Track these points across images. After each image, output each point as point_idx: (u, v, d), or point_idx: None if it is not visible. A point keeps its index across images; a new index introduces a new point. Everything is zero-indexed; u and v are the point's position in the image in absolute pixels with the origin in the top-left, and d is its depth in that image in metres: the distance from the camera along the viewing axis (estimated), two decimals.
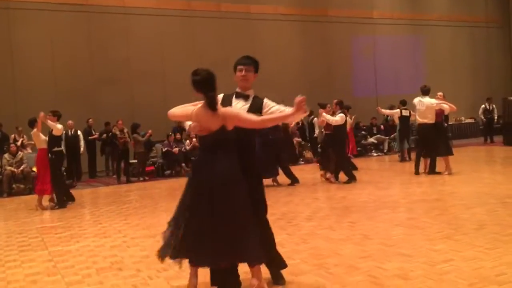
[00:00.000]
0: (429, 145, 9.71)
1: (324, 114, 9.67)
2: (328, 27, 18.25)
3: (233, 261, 3.52)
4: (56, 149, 8.79)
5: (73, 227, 6.77)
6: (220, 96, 3.78)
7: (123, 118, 12.82)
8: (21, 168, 10.89)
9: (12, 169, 10.78)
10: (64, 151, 12.54)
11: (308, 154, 14.51)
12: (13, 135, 12.30)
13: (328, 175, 9.86)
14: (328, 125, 9.78)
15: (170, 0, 15.82)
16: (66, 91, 13.94)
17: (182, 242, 3.47)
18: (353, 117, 14.97)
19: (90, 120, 13.45)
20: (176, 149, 13.19)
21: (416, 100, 10.10)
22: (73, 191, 11.14)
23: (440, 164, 9.75)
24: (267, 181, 9.26)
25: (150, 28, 15.40)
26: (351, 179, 9.50)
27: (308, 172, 12.28)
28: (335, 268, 4.13)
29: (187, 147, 13.48)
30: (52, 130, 8.69)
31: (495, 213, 5.89)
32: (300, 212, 6.84)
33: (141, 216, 7.25)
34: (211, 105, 3.47)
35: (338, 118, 9.58)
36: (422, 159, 9.96)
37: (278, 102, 3.85)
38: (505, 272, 3.72)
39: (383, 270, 3.97)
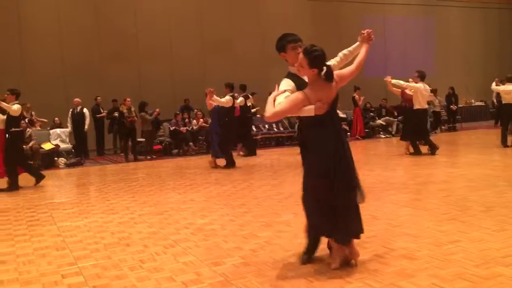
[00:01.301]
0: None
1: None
2: (337, 6, 18.03)
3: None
4: (13, 129, 8.34)
5: (82, 203, 6.84)
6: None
7: (131, 96, 12.81)
8: (30, 144, 10.96)
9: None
10: (70, 128, 12.70)
11: None
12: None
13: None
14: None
15: None
16: (74, 67, 13.94)
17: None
18: (361, 98, 14.89)
19: (99, 98, 13.47)
20: (184, 128, 13.21)
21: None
22: (80, 169, 11.24)
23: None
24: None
25: (158, 4, 15.28)
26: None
27: None
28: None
29: (195, 127, 13.49)
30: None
31: (503, 195, 5.85)
32: None
33: (149, 194, 7.29)
34: (330, 76, 3.50)
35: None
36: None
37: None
38: None
39: (389, 250, 3.97)
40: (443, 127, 16.43)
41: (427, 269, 3.49)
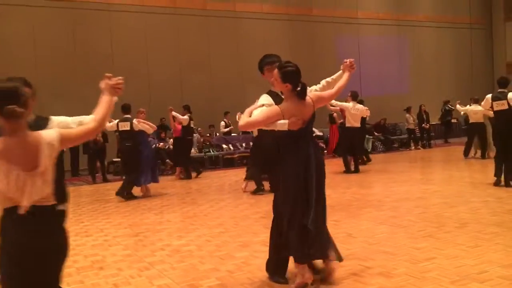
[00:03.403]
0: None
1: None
2: (313, 26, 18.29)
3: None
4: None
5: None
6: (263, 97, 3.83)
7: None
8: None
9: None
10: None
11: None
12: None
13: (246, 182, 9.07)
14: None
15: None
16: (49, 89, 13.72)
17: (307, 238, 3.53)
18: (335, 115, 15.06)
19: None
20: (162, 145, 13.12)
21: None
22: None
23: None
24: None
25: (134, 25, 15.25)
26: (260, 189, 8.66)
27: None
28: (320, 266, 4.11)
29: (171, 146, 13.39)
30: None
31: (477, 211, 5.94)
32: None
33: (124, 215, 7.17)
34: (303, 94, 3.54)
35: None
36: None
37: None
38: (487, 269, 3.75)
39: (366, 268, 3.97)
40: (417, 145, 16.69)
41: (404, 287, 3.49)
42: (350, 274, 3.84)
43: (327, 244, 3.66)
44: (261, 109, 3.59)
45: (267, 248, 4.79)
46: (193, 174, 11.67)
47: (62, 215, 2.44)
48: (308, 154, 3.55)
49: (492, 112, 8.95)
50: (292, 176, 3.52)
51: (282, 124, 3.47)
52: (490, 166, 8.67)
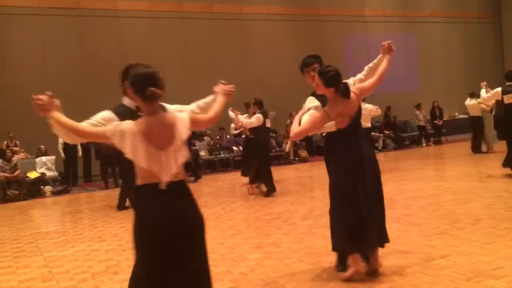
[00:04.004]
0: None
1: (239, 116, 8.72)
2: (320, 26, 18.26)
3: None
4: None
5: (69, 232, 6.73)
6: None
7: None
8: (16, 173, 10.82)
9: (6, 175, 10.71)
10: (63, 155, 12.58)
11: (303, 153, 14.51)
12: (5, 142, 12.22)
13: (250, 185, 8.86)
14: (250, 129, 8.74)
15: (162, 2, 15.77)
16: (59, 96, 13.54)
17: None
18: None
19: None
20: None
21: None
22: (67, 196, 11.12)
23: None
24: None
25: (142, 31, 15.35)
26: (272, 190, 8.42)
27: (303, 171, 12.28)
28: (332, 267, 4.10)
29: None
30: None
31: (490, 207, 5.89)
32: (295, 211, 6.82)
33: None
34: (346, 94, 3.64)
35: (253, 120, 8.54)
36: None
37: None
38: (502, 265, 3.72)
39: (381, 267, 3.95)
40: (429, 142, 16.58)
41: (418, 285, 3.48)
42: (364, 273, 3.82)
43: (374, 242, 3.67)
44: (308, 114, 3.70)
45: (280, 249, 4.81)
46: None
47: (190, 189, 2.58)
48: (359, 148, 3.65)
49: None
50: (345, 171, 3.61)
51: (330, 126, 3.63)
52: (500, 160, 8.60)
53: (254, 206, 7.52)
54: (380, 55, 4.06)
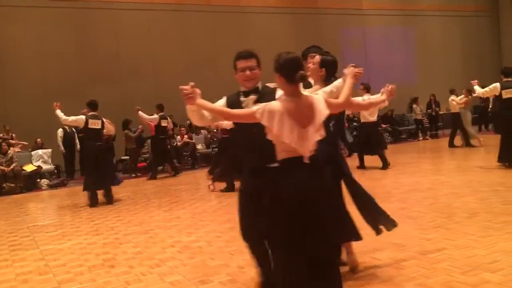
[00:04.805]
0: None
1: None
2: (318, 19, 18.21)
3: None
4: None
5: (65, 225, 6.72)
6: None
7: (115, 115, 12.67)
8: (12, 167, 10.80)
9: (2, 168, 10.68)
10: (63, 149, 12.55)
11: None
12: (1, 134, 12.18)
13: (212, 182, 8.84)
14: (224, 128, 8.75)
15: None
16: (55, 88, 13.80)
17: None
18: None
19: None
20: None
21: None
22: (64, 190, 11.10)
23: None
24: None
25: (139, 23, 15.26)
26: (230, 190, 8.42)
27: None
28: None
29: (179, 143, 13.43)
30: None
31: (486, 200, 5.90)
32: None
33: (134, 213, 7.21)
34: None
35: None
36: None
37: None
38: (498, 259, 3.73)
39: (377, 260, 3.97)
40: (425, 135, 16.60)
41: (414, 279, 3.48)
42: (360, 267, 3.83)
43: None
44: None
45: None
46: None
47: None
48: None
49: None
50: None
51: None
52: (495, 154, 8.63)
53: None
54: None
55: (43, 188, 11.39)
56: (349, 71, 3.17)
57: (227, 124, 8.36)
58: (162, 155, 11.77)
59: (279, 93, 3.02)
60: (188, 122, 13.00)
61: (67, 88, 13.98)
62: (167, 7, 15.66)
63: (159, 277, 4.04)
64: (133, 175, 12.33)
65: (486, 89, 8.91)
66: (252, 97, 3.09)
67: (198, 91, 2.86)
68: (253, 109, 2.69)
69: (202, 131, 14.42)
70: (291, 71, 2.63)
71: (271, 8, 17.38)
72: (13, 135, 12.49)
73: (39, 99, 13.26)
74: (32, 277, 4.35)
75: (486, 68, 21.88)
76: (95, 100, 8.60)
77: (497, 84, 8.44)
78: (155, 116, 11.34)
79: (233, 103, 3.09)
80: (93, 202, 8.12)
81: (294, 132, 2.59)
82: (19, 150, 12.12)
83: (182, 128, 13.70)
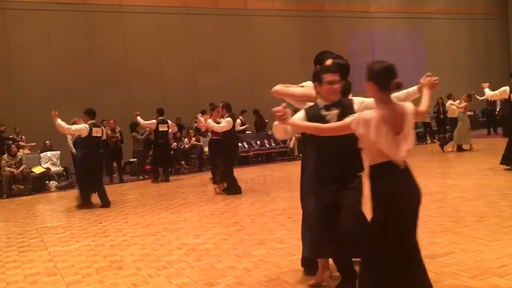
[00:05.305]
0: None
1: (208, 121, 8.74)
2: (325, 22, 18.19)
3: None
4: None
5: (73, 226, 6.76)
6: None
7: (122, 118, 12.79)
8: (21, 169, 10.86)
9: (12, 170, 10.75)
10: (74, 150, 12.59)
11: None
12: (11, 136, 12.27)
13: (216, 185, 8.96)
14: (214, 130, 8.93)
15: None
16: (64, 91, 13.91)
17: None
18: None
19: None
20: (175, 145, 13.19)
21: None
22: (72, 191, 11.14)
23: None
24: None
25: (147, 26, 15.34)
26: (234, 191, 8.54)
27: None
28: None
29: (186, 145, 13.47)
30: None
31: (495, 204, 5.87)
32: (300, 207, 6.79)
33: (141, 215, 7.23)
34: (346, 90, 3.63)
35: (224, 124, 8.59)
36: None
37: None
38: (507, 263, 3.70)
39: None
40: (433, 138, 16.52)
41: None
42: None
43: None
44: (299, 88, 3.74)
45: (284, 246, 4.81)
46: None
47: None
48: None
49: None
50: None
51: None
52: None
53: (258, 202, 7.53)
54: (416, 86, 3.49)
55: (51, 190, 11.45)
56: (425, 80, 3.25)
57: (218, 127, 8.60)
58: (161, 159, 11.67)
59: (357, 103, 3.29)
60: (196, 125, 12.99)
61: (76, 91, 14.08)
62: (175, 11, 15.73)
63: (167, 279, 4.05)
64: (141, 177, 12.37)
65: (496, 92, 8.89)
66: (336, 111, 3.23)
67: (289, 111, 3.02)
68: (346, 121, 2.79)
69: (209, 133, 14.43)
70: (386, 79, 2.72)
71: (277, 11, 17.39)
72: (23, 137, 12.58)
73: (48, 101, 13.35)
74: (40, 278, 4.38)
75: (494, 71, 21.75)
76: (93, 108, 8.72)
77: (507, 88, 8.43)
78: (153, 121, 11.31)
79: (315, 117, 3.21)
80: (85, 204, 8.31)
81: (389, 139, 2.69)
82: (28, 152, 12.20)
83: (191, 131, 13.73)
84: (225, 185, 8.80)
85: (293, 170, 11.78)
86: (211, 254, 4.75)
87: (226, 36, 16.37)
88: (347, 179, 3.22)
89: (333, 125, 3.00)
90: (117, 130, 12.31)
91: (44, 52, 14.04)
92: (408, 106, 2.83)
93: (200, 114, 9.29)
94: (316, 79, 3.33)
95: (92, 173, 8.35)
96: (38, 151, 12.65)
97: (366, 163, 2.88)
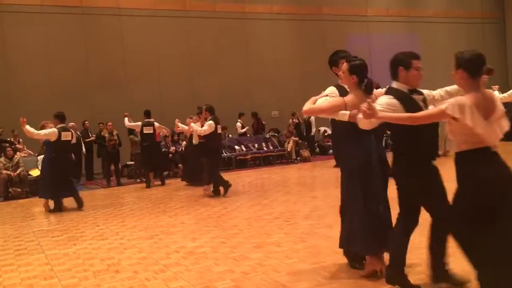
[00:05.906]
0: None
1: (192, 124, 8.97)
2: (323, 25, 18.22)
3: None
4: None
5: (70, 230, 6.73)
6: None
7: (120, 120, 12.75)
8: (18, 171, 10.84)
9: (9, 172, 10.72)
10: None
11: (305, 153, 14.50)
12: (9, 139, 12.24)
13: (205, 186, 8.98)
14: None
15: (165, 1, 15.78)
16: (62, 94, 13.89)
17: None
18: None
19: (87, 122, 13.41)
20: (173, 149, 13.18)
21: None
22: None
23: None
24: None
25: (145, 29, 15.36)
26: (223, 185, 8.72)
27: (305, 170, 12.28)
28: (333, 267, 4.10)
29: (183, 149, 13.45)
30: None
31: None
32: (297, 210, 6.82)
33: (139, 218, 7.21)
34: (369, 88, 3.73)
35: (206, 128, 8.67)
36: None
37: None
38: None
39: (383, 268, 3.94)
40: None
41: (421, 286, 3.46)
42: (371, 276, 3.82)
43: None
44: (325, 98, 3.75)
45: (281, 249, 4.81)
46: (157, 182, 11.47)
47: None
48: (369, 148, 3.64)
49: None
50: (356, 168, 3.64)
51: (343, 115, 3.60)
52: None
53: (256, 206, 7.52)
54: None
55: None
56: None
57: (201, 131, 8.68)
58: (149, 163, 11.40)
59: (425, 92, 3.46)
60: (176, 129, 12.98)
61: (74, 93, 14.07)
62: (173, 14, 15.75)
63: (164, 283, 4.04)
64: (138, 180, 12.33)
65: (505, 94, 8.90)
66: (421, 96, 3.42)
67: (375, 107, 3.08)
68: (441, 107, 2.89)
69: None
70: (477, 66, 2.88)
71: (275, 14, 17.43)
72: (20, 140, 12.55)
73: (46, 104, 13.33)
74: (37, 282, 4.36)
75: (491, 76, 21.81)
76: (63, 112, 8.70)
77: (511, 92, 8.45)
78: (138, 123, 11.28)
79: (407, 99, 3.29)
80: (57, 209, 8.37)
81: (482, 123, 2.79)
82: (25, 155, 12.17)
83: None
84: (211, 188, 8.84)
85: (290, 173, 11.80)
86: (208, 257, 4.74)
87: (224, 39, 16.39)
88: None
89: (426, 113, 3.08)
90: (114, 133, 12.28)
91: (42, 55, 14.03)
92: (495, 93, 2.97)
93: (177, 120, 9.64)
94: (354, 70, 3.60)
95: (62, 177, 8.27)
96: (36, 154, 12.61)
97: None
